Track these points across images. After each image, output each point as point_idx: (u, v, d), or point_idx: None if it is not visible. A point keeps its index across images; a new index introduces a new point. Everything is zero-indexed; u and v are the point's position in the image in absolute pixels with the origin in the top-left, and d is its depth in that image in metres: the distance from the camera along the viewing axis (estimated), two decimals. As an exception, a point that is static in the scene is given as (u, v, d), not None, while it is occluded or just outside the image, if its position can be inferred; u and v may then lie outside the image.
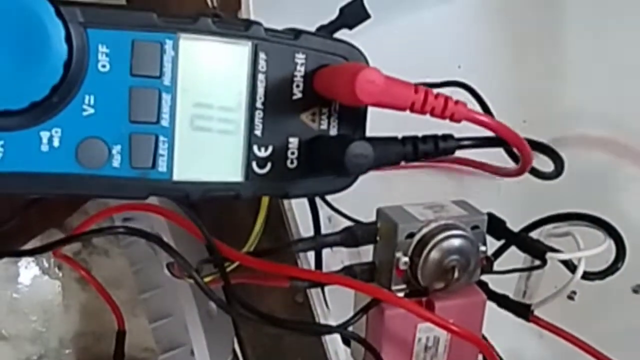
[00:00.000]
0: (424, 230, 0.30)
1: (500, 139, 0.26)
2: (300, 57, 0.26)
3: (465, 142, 0.27)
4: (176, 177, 0.25)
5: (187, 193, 0.26)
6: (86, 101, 0.23)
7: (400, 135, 0.27)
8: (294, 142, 0.27)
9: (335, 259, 0.42)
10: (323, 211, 0.57)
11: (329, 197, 0.56)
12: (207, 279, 0.31)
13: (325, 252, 0.35)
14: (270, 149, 0.26)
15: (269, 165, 0.27)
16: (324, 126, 0.27)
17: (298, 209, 0.37)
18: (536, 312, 0.34)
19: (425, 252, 0.30)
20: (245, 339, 0.49)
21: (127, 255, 0.56)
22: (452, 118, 0.25)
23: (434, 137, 0.27)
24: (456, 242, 0.30)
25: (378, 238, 0.32)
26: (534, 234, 0.34)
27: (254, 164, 0.26)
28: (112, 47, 0.23)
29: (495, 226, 0.33)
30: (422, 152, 0.27)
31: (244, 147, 0.26)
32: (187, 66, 0.25)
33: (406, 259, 0.30)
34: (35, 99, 0.22)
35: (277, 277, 0.30)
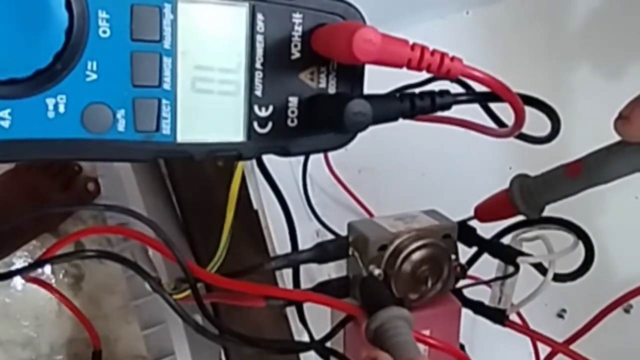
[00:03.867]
0: (396, 242, 0.30)
1: (495, 95, 0.26)
2: (297, 17, 0.26)
3: (462, 98, 0.28)
4: (180, 139, 0.26)
5: (191, 154, 0.26)
6: (89, 67, 0.24)
7: (397, 92, 0.28)
8: (293, 101, 0.27)
9: (322, 271, 0.42)
10: (311, 224, 0.58)
11: (317, 211, 0.56)
12: (181, 295, 0.32)
13: (313, 265, 0.35)
14: (270, 108, 0.27)
15: (270, 124, 0.27)
16: (322, 85, 0.27)
17: (278, 225, 0.37)
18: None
19: (397, 263, 0.30)
20: (232, 350, 0.50)
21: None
22: (449, 74, 0.26)
23: (431, 93, 0.27)
24: (428, 251, 0.31)
25: (350, 252, 0.32)
26: (506, 239, 0.34)
27: (255, 124, 0.27)
28: (111, 13, 0.24)
29: (466, 234, 0.33)
30: (419, 108, 0.27)
31: (245, 108, 0.27)
32: (186, 29, 0.25)
33: (379, 271, 0.30)
34: (40, 66, 0.23)
35: (253, 297, 0.30)
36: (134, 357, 0.95)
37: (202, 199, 0.55)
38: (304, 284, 0.35)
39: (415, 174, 0.63)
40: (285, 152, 0.28)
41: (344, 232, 0.53)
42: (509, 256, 0.32)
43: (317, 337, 0.33)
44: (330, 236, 0.59)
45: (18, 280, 0.93)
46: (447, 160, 0.63)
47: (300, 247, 0.35)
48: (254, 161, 0.36)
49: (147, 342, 0.60)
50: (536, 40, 0.63)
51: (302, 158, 0.57)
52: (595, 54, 0.63)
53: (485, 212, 0.34)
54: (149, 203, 0.54)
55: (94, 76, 0.24)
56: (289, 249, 0.34)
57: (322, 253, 0.32)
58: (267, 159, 0.32)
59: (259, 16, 0.26)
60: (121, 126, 0.25)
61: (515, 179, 0.32)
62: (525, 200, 0.31)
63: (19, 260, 0.90)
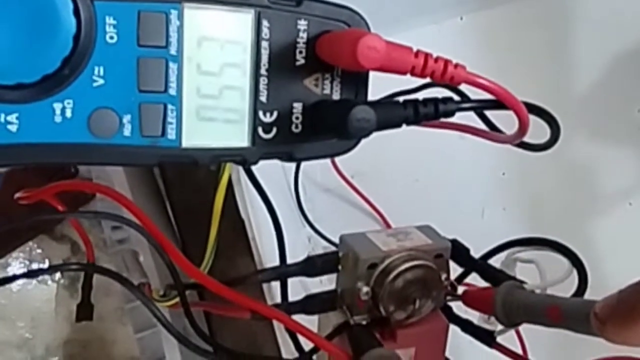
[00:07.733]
0: (386, 262, 0.30)
1: (498, 102, 0.26)
2: (302, 24, 0.26)
3: (465, 105, 0.28)
4: (185, 144, 0.26)
5: (195, 159, 0.26)
6: (96, 72, 0.24)
7: (401, 99, 0.28)
8: (298, 107, 0.27)
9: (314, 279, 0.43)
10: (304, 230, 0.57)
11: (310, 217, 0.56)
12: (169, 303, 0.32)
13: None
14: (275, 114, 0.27)
15: (274, 130, 0.27)
16: (327, 91, 0.28)
17: (267, 234, 0.37)
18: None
19: (386, 283, 0.30)
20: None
21: (115, 263, 0.56)
22: (452, 81, 0.26)
23: (435, 100, 0.27)
24: (418, 273, 0.30)
25: (340, 267, 0.32)
26: (501, 256, 0.34)
27: (259, 129, 0.27)
28: (118, 19, 0.24)
29: (460, 253, 0.33)
30: (422, 115, 0.27)
31: (249, 113, 0.27)
32: (192, 35, 0.25)
33: (367, 289, 0.30)
34: (47, 71, 0.23)
35: (238, 308, 0.30)
36: (129, 358, 0.95)
37: (196, 200, 0.55)
38: (295, 286, 0.35)
39: (409, 179, 0.64)
40: (289, 158, 0.28)
41: (336, 239, 0.53)
42: (500, 282, 0.31)
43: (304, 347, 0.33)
44: (322, 242, 0.58)
45: (14, 281, 0.92)
46: (440, 166, 0.63)
47: (291, 253, 0.35)
48: (242, 171, 0.36)
49: (140, 345, 0.60)
50: (530, 46, 0.63)
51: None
52: (590, 59, 0.63)
53: (470, 300, 0.33)
54: (141, 204, 0.54)
55: (101, 81, 0.24)
56: (277, 258, 0.34)
57: (311, 267, 0.32)
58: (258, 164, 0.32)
59: (265, 22, 0.26)
60: (127, 131, 0.25)
61: (504, 287, 0.30)
62: (506, 312, 0.30)
63: (15, 261, 0.89)
